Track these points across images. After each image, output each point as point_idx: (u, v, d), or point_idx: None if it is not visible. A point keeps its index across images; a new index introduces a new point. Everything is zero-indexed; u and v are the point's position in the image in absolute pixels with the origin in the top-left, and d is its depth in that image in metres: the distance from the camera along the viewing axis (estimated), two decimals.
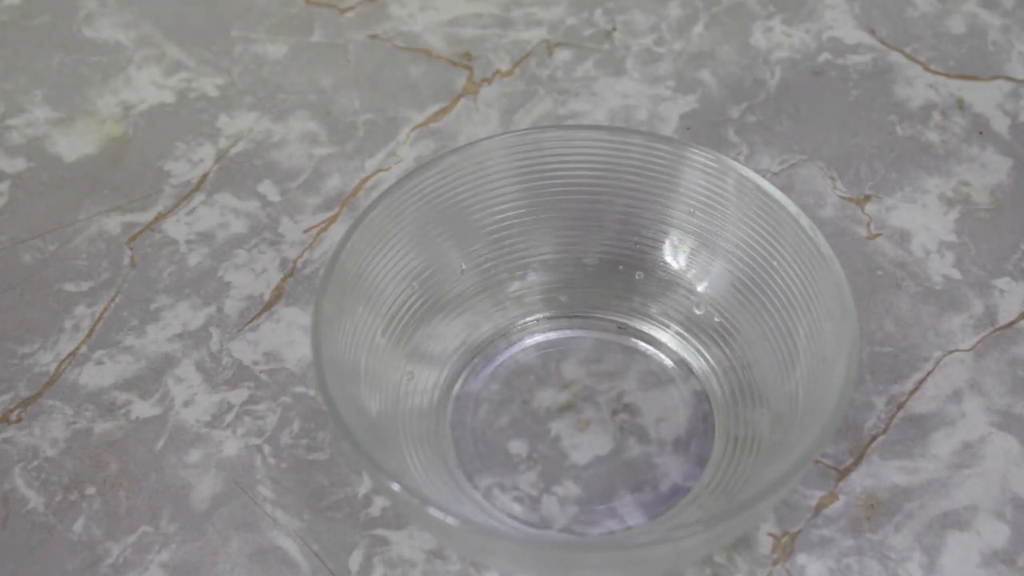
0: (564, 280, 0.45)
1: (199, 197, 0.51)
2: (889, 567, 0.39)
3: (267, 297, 0.47)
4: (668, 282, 0.44)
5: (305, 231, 0.50)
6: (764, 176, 0.48)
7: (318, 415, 0.44)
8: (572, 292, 0.45)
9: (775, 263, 0.40)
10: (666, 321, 0.44)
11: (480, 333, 0.45)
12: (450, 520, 0.32)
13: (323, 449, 0.43)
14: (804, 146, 0.52)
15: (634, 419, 0.42)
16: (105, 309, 0.47)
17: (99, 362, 0.45)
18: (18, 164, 0.53)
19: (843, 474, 0.41)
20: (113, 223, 0.50)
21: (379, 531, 0.40)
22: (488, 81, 0.55)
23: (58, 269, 0.49)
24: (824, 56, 0.56)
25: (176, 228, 0.50)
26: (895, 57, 0.56)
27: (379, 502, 0.41)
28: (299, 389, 0.44)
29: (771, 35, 0.57)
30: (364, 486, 0.42)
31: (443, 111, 0.54)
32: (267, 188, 0.51)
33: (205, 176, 0.52)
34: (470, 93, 0.55)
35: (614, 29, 0.57)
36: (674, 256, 0.43)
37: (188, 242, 0.49)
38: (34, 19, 0.59)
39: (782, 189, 0.44)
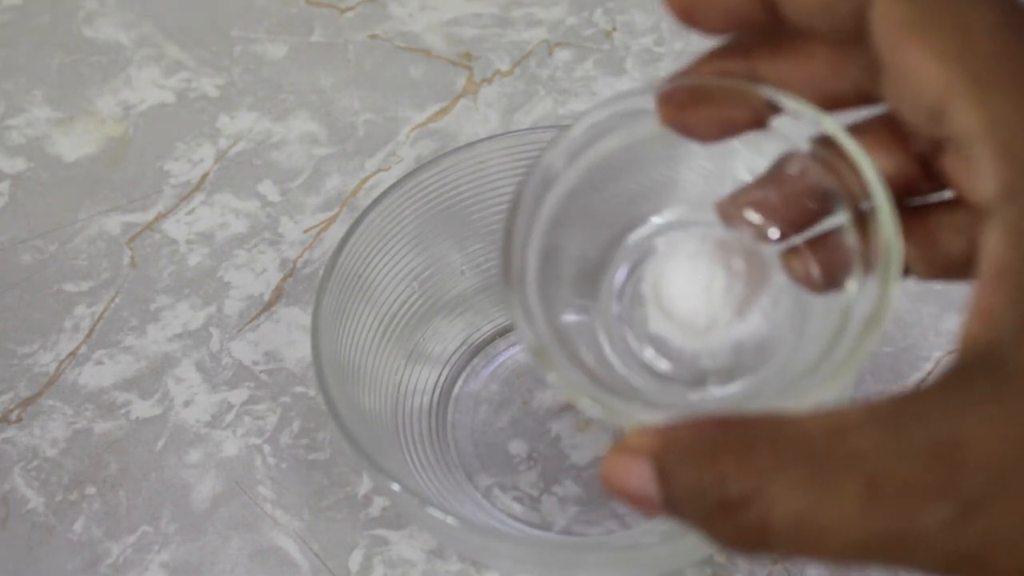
0: None
1: (199, 197, 0.51)
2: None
3: (267, 297, 0.47)
4: None
5: (305, 231, 0.50)
6: None
7: (318, 415, 0.44)
8: None
9: None
10: None
11: (480, 333, 0.45)
12: (450, 520, 0.32)
13: (323, 449, 0.43)
14: None
15: None
16: (105, 309, 0.47)
17: (99, 362, 0.45)
18: (18, 164, 0.53)
19: None
20: (113, 223, 0.50)
21: (379, 531, 0.40)
22: (488, 81, 0.55)
23: (58, 269, 0.49)
24: None
25: (176, 228, 0.50)
26: None
27: (379, 502, 0.41)
28: (299, 389, 0.44)
29: None
30: (364, 486, 0.42)
31: (443, 111, 0.54)
32: (267, 188, 0.51)
33: (205, 176, 0.52)
34: (470, 93, 0.55)
35: (614, 29, 0.57)
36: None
37: (188, 242, 0.49)
38: (34, 19, 0.59)
39: None
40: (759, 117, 0.26)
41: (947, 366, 0.20)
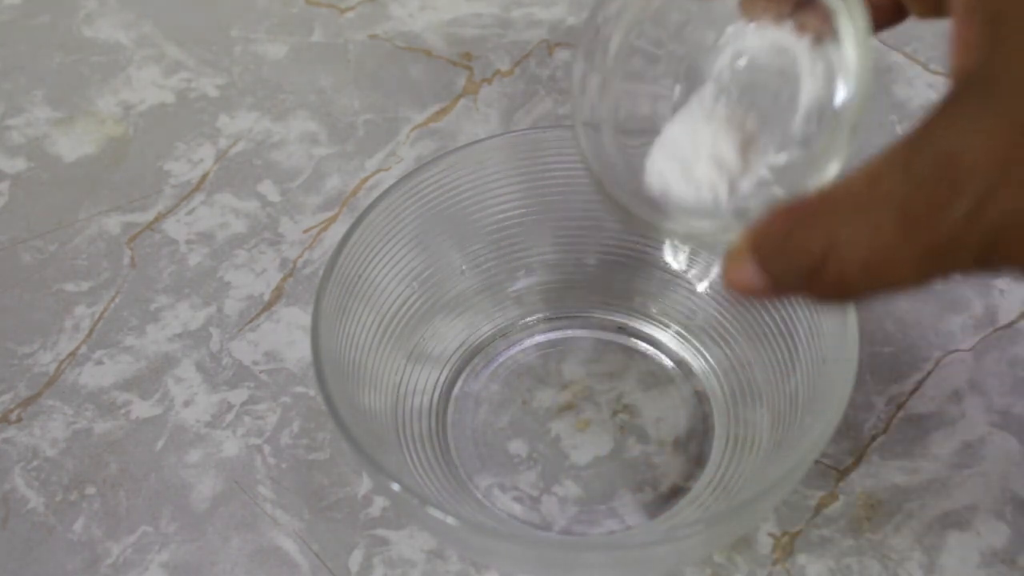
0: (564, 280, 0.45)
1: (199, 197, 0.51)
2: (889, 567, 0.39)
3: (267, 297, 0.47)
4: (668, 282, 0.44)
5: (305, 231, 0.50)
6: None
7: (318, 415, 0.44)
8: (572, 292, 0.45)
9: None
10: (666, 321, 0.44)
11: (480, 333, 0.45)
12: (450, 520, 0.32)
13: (323, 449, 0.43)
14: None
15: (634, 419, 0.42)
16: (105, 309, 0.47)
17: (99, 362, 0.45)
18: (18, 164, 0.53)
19: (843, 474, 0.41)
20: (113, 223, 0.50)
21: (379, 531, 0.40)
22: (488, 81, 0.55)
23: (58, 269, 0.49)
24: None
25: (176, 228, 0.50)
26: (895, 57, 0.56)
27: (379, 502, 0.41)
28: (299, 389, 0.44)
29: None
30: (364, 486, 0.42)
31: (443, 111, 0.54)
32: (267, 188, 0.51)
33: (205, 176, 0.52)
34: (470, 93, 0.55)
35: None
36: (674, 256, 0.43)
37: (188, 242, 0.49)
38: (34, 19, 0.59)
39: None
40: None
41: (942, 98, 0.24)
